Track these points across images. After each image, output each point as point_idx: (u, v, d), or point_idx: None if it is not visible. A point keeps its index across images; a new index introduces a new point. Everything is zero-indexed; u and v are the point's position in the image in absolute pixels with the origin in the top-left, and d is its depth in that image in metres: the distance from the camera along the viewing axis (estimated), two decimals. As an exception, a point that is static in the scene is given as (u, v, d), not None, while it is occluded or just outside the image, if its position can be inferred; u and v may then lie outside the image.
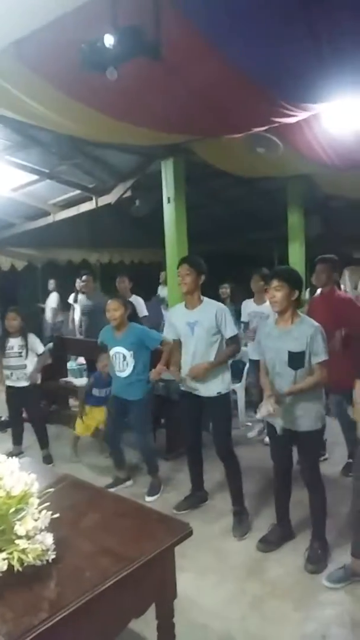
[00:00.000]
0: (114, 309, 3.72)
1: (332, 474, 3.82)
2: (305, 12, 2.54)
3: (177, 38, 2.59)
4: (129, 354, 3.71)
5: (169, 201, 5.80)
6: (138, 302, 5.96)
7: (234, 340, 3.34)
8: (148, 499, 3.71)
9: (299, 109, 3.55)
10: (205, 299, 3.40)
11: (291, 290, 2.80)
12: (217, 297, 5.73)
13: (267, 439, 3.93)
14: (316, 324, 2.83)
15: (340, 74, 2.99)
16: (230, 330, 3.30)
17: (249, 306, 5.01)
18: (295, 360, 2.79)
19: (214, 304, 3.38)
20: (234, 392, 4.77)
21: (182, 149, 5.45)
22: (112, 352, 3.79)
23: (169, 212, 5.83)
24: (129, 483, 4.00)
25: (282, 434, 2.90)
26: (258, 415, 2.87)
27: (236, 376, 4.97)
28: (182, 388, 3.46)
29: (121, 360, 3.73)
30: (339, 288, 5.18)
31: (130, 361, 3.70)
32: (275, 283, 2.81)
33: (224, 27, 2.60)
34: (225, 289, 6.41)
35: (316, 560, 2.86)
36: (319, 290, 4.59)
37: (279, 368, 2.86)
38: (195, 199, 7.29)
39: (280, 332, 2.89)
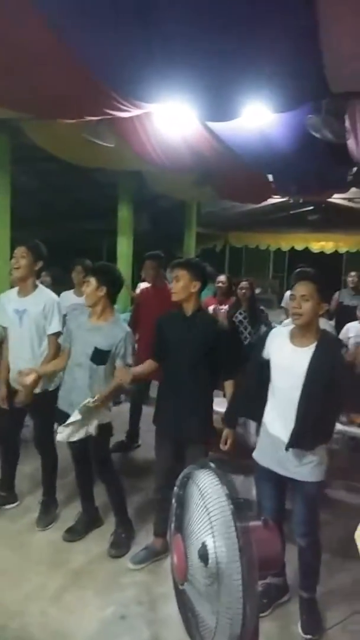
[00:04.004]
0: None
1: (144, 461, 3.98)
2: (139, 11, 2.57)
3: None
4: None
5: (-10, 179, 5.38)
6: None
7: (57, 337, 3.15)
8: None
9: (131, 105, 3.60)
10: (41, 288, 3.23)
11: (100, 286, 2.83)
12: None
13: None
14: (128, 329, 2.92)
15: (170, 77, 3.10)
16: (54, 326, 3.14)
17: (68, 298, 4.74)
18: (100, 357, 2.82)
19: (46, 295, 3.21)
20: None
21: (8, 127, 5.10)
22: None
23: (-10, 191, 5.41)
24: None
25: None
26: None
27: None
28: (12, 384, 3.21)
29: None
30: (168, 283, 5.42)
31: None
32: (90, 279, 2.85)
33: (59, 6, 2.49)
34: (45, 277, 6.12)
35: (119, 545, 2.94)
36: (143, 285, 4.72)
37: (82, 359, 2.85)
38: (24, 182, 6.92)
39: (92, 325, 2.90)
